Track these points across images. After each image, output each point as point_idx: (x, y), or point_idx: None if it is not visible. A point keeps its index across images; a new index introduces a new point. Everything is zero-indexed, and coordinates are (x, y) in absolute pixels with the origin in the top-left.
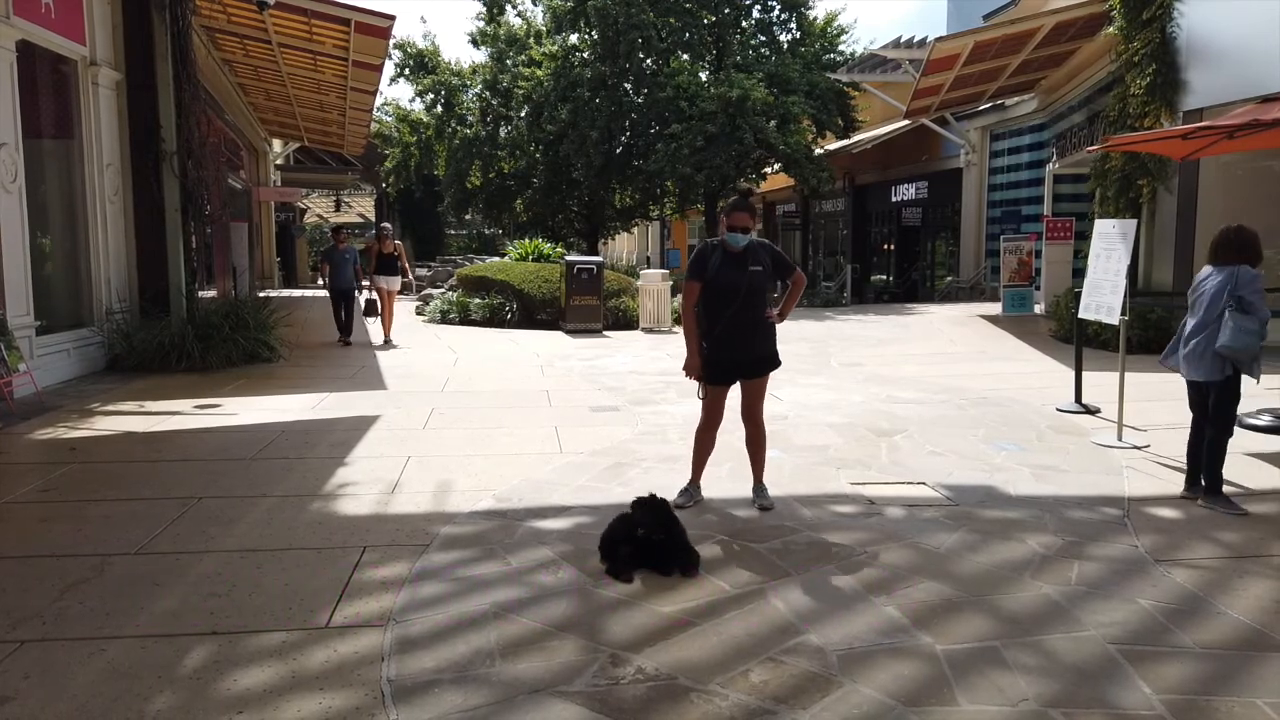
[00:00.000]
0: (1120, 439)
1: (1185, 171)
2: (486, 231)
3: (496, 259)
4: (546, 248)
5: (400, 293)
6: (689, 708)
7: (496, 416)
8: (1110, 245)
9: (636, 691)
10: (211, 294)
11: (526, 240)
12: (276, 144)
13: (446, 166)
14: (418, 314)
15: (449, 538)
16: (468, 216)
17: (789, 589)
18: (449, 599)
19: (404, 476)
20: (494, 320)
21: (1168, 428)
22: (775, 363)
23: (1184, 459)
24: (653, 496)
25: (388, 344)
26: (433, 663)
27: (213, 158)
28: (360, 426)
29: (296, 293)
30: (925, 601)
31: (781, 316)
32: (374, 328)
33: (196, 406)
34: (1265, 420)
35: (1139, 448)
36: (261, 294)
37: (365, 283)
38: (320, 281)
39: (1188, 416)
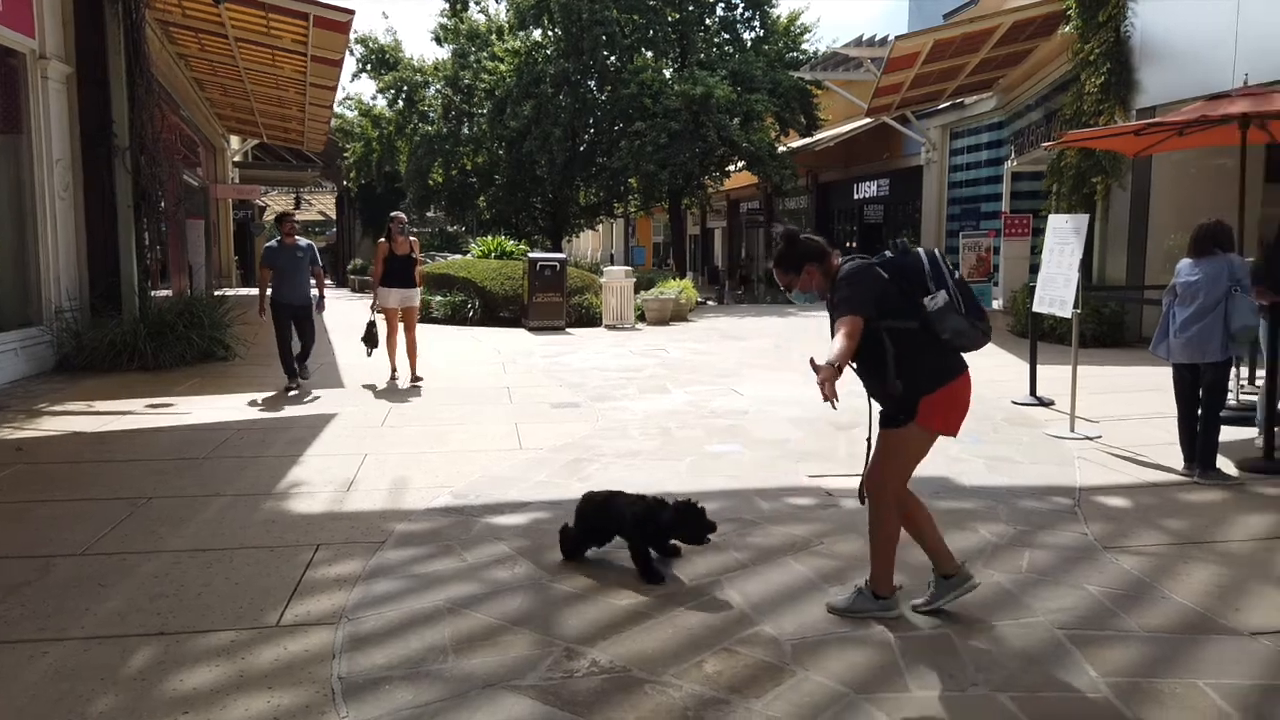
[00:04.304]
0: (1073, 430)
1: (1138, 169)
2: (450, 229)
3: (459, 256)
4: (510, 245)
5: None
6: (642, 699)
7: (456, 413)
8: (1064, 240)
9: (590, 684)
10: (166, 292)
11: (489, 237)
12: (234, 140)
13: (408, 163)
14: (373, 311)
15: (404, 535)
16: (430, 213)
17: (745, 581)
18: (403, 596)
19: (360, 474)
20: (456, 318)
21: (1118, 419)
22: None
23: (1133, 449)
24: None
25: (415, 383)
26: (384, 659)
27: (167, 153)
28: (317, 425)
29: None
30: None
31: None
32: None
33: (148, 406)
34: (1224, 412)
35: (1091, 439)
36: (218, 292)
37: (371, 299)
38: (263, 294)
39: (1137, 408)
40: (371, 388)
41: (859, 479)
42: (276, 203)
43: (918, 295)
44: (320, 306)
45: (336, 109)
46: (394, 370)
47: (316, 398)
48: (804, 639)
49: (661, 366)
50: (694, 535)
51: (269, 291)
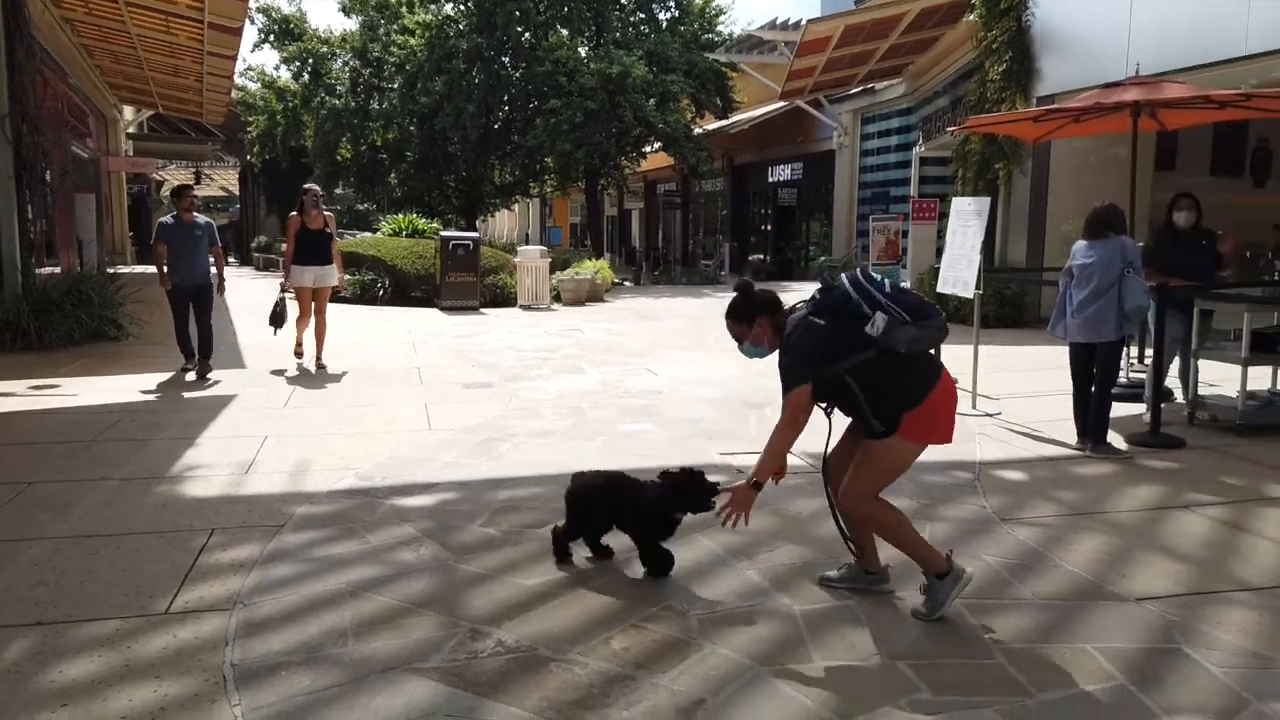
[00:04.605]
0: (974, 407)
1: (1038, 156)
2: (359, 206)
3: (368, 234)
4: (421, 223)
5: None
6: (547, 678)
7: (363, 394)
8: (966, 222)
9: (495, 664)
10: (55, 269)
11: (400, 215)
12: (128, 111)
13: (315, 138)
14: (282, 290)
15: (305, 517)
16: (339, 190)
17: None
18: (302, 580)
19: (260, 456)
20: (365, 297)
21: (1017, 396)
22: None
23: (1030, 425)
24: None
25: (320, 368)
26: (281, 645)
27: (52, 122)
28: (214, 406)
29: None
30: (785, 564)
31: (756, 478)
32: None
33: (31, 387)
34: (1116, 389)
35: (991, 415)
36: (111, 270)
37: (281, 279)
38: (162, 269)
39: (1034, 386)
40: (274, 369)
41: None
42: (175, 177)
43: (858, 326)
44: (220, 289)
45: (238, 80)
46: (301, 352)
47: (215, 380)
48: (712, 614)
49: (576, 347)
50: (699, 503)
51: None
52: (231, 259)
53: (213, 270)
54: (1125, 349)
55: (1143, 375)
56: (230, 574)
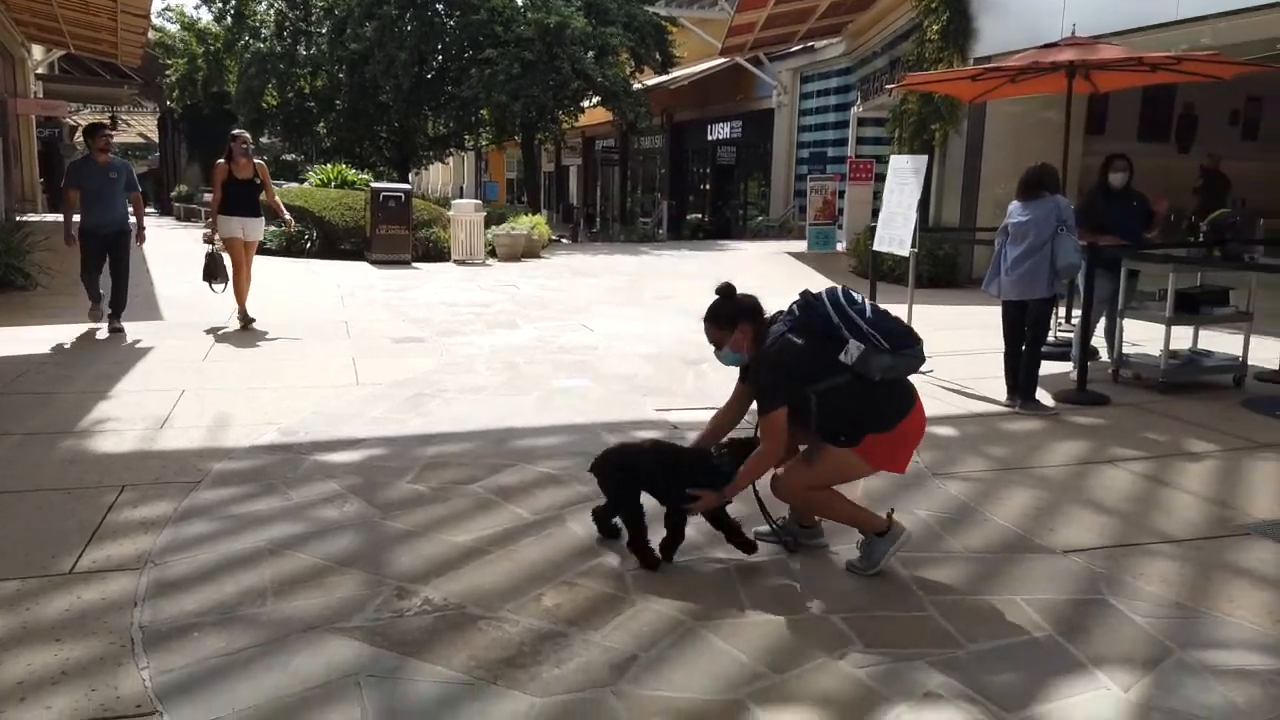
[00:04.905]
0: None
1: (973, 118)
2: (287, 157)
3: (295, 184)
4: (351, 174)
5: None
6: (475, 636)
7: (287, 348)
8: (903, 180)
9: (422, 623)
10: None
11: (329, 166)
12: (37, 50)
13: (239, 83)
14: (205, 241)
15: (223, 473)
16: (264, 139)
17: (588, 515)
18: (218, 537)
19: (176, 410)
20: (292, 250)
21: (949, 355)
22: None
23: (962, 383)
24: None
25: (246, 324)
26: (194, 605)
27: None
28: (128, 359)
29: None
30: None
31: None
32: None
33: None
34: (1044, 347)
35: (924, 373)
36: (20, 218)
37: (206, 229)
38: (69, 220)
39: (966, 344)
40: (193, 321)
41: (705, 411)
42: (89, 121)
43: (835, 350)
44: (140, 237)
45: (156, 21)
46: (244, 315)
47: (130, 332)
48: (645, 569)
49: (511, 302)
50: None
51: (76, 218)
52: (151, 209)
53: (131, 218)
54: (1056, 308)
55: (1069, 334)
56: (141, 532)
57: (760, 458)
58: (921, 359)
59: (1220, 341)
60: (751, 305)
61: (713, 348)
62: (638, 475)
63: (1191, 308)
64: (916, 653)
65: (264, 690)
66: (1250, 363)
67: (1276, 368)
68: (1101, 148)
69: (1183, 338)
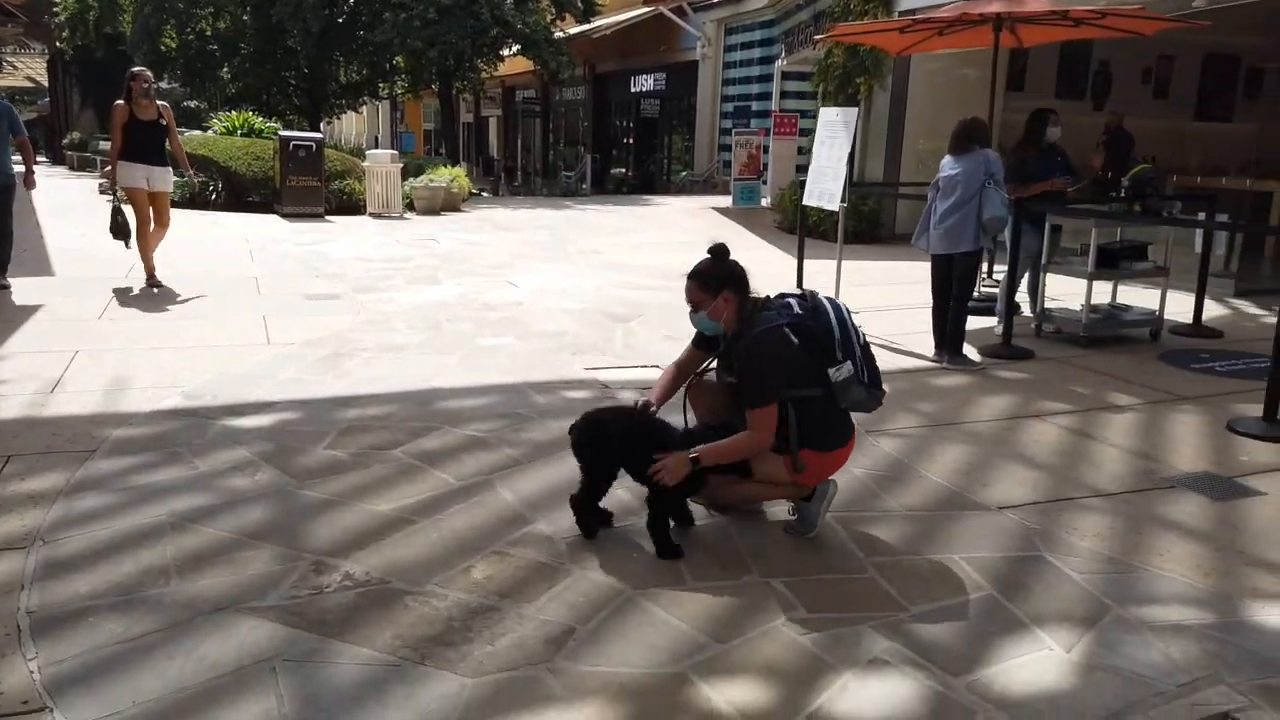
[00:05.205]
0: None
1: (898, 73)
2: (189, 104)
3: (198, 132)
4: (259, 122)
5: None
6: (401, 613)
7: (192, 306)
8: (833, 133)
9: (342, 600)
10: None
11: (235, 113)
12: None
13: (134, 23)
14: (101, 192)
15: (121, 441)
16: (164, 84)
17: (519, 479)
18: (116, 512)
19: (69, 374)
20: (196, 201)
21: (876, 310)
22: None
23: (889, 338)
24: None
25: (152, 285)
26: (88, 587)
27: None
28: (15, 318)
29: None
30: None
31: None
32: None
33: None
34: (970, 302)
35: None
36: None
37: (102, 179)
38: None
39: (892, 300)
40: (88, 276)
41: (636, 370)
42: None
43: (824, 363)
44: (29, 182)
45: None
46: (155, 279)
47: (15, 288)
48: (580, 536)
49: (431, 257)
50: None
51: None
52: (42, 157)
53: (16, 166)
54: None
55: (993, 289)
56: (29, 507)
57: (744, 443)
58: (880, 401)
59: (1135, 296)
60: (740, 274)
61: (689, 308)
62: (612, 446)
63: (1112, 263)
64: (860, 616)
65: (168, 680)
66: (1165, 316)
67: (1190, 321)
68: (1021, 104)
69: (1101, 292)
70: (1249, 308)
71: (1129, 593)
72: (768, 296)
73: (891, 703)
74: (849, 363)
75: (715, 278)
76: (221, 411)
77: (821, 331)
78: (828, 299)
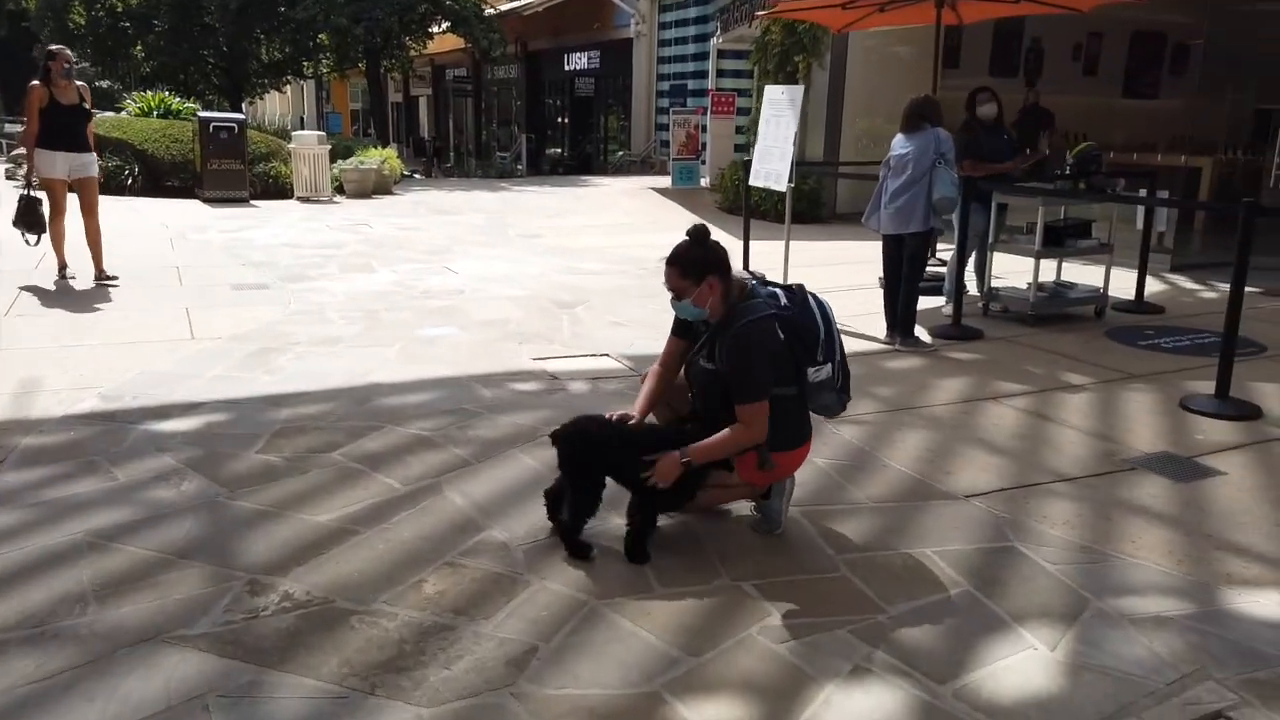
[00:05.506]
0: None
1: (836, 51)
2: (103, 84)
3: (111, 114)
4: (176, 103)
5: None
6: (348, 636)
7: (107, 298)
8: (779, 111)
9: (281, 624)
10: None
11: (151, 94)
12: None
13: None
14: (8, 178)
15: (31, 451)
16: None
17: (468, 480)
18: (25, 531)
19: None
20: (110, 187)
21: (824, 292)
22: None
23: (842, 321)
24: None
25: (104, 281)
26: None
27: None
28: None
29: None
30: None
31: (690, 458)
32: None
33: None
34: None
35: None
36: None
37: (9, 163)
38: None
39: (837, 280)
40: None
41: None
42: None
43: (804, 362)
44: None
45: None
46: (63, 266)
47: None
48: (538, 541)
49: (365, 243)
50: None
51: None
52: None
53: None
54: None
55: (939, 269)
56: None
57: (736, 438)
58: (845, 409)
59: (1076, 273)
60: (723, 256)
61: (670, 296)
62: (605, 456)
63: (1057, 241)
64: (836, 620)
65: None
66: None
67: (1133, 298)
68: (956, 83)
69: (1046, 270)
70: (1185, 282)
71: (1105, 583)
72: (749, 280)
73: (878, 716)
74: (829, 365)
75: (698, 263)
76: (142, 414)
77: (807, 330)
78: (813, 296)
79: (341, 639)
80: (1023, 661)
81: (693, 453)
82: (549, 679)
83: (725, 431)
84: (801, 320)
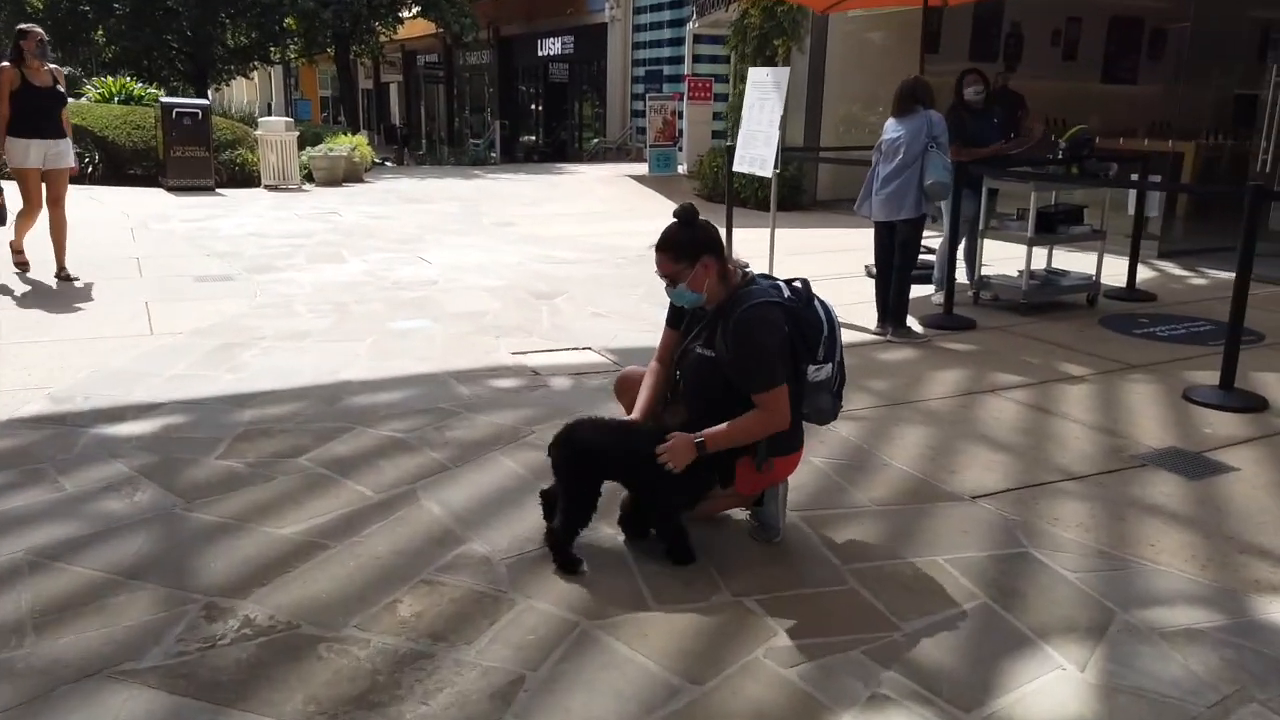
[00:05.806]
0: None
1: (816, 35)
2: (64, 70)
3: (71, 100)
4: (138, 89)
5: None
6: (315, 667)
7: (62, 292)
8: (764, 94)
9: (241, 654)
10: None
11: (112, 79)
12: None
13: None
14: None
15: None
16: None
17: (446, 487)
18: None
19: None
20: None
21: (811, 280)
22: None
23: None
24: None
25: (64, 278)
26: None
27: None
28: None
29: None
30: (606, 486)
31: (704, 440)
32: None
33: None
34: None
35: None
36: None
37: None
38: None
39: (823, 269)
40: None
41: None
42: None
43: (805, 359)
44: None
45: None
46: (23, 262)
47: None
48: (523, 555)
49: (334, 232)
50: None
51: None
52: None
53: None
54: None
55: (928, 257)
56: None
57: (756, 424)
58: (836, 416)
59: (1066, 260)
60: (715, 235)
61: (664, 283)
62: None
63: (1049, 227)
64: (848, 640)
65: None
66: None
67: (1124, 285)
68: (937, 68)
69: (1037, 257)
70: (1174, 269)
71: (1129, 593)
72: (746, 268)
73: None
74: (830, 365)
75: (690, 244)
76: (94, 417)
77: (810, 325)
78: (819, 297)
79: (307, 671)
80: (1052, 684)
81: (708, 436)
82: (538, 714)
83: (744, 417)
84: (805, 315)
